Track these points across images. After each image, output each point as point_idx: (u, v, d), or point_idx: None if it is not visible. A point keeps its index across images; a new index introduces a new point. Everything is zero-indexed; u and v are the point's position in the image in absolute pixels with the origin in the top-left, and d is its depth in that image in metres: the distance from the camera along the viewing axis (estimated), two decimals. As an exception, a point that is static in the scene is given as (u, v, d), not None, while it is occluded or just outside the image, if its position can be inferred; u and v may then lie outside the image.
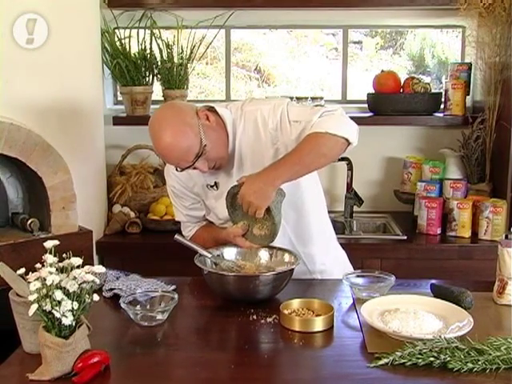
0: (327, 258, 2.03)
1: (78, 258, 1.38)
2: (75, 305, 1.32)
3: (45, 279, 1.31)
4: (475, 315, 1.56)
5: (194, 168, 1.78)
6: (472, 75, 3.12)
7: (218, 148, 1.80)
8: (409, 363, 1.36)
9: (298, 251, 1.92)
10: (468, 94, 3.11)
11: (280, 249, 1.90)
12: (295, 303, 1.66)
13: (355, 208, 3.09)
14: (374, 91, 3.15)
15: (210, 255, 1.84)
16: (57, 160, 2.31)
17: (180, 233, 1.91)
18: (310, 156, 1.67)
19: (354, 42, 3.52)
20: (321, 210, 2.04)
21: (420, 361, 1.36)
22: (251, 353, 1.47)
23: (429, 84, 3.12)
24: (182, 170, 1.81)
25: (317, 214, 2.00)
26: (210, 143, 1.76)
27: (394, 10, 3.13)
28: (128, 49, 3.07)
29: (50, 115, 2.43)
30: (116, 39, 3.06)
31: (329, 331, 1.56)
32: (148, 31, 3.09)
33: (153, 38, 3.07)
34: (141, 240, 2.89)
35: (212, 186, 1.92)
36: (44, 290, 1.31)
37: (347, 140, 1.69)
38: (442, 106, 3.12)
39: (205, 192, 1.95)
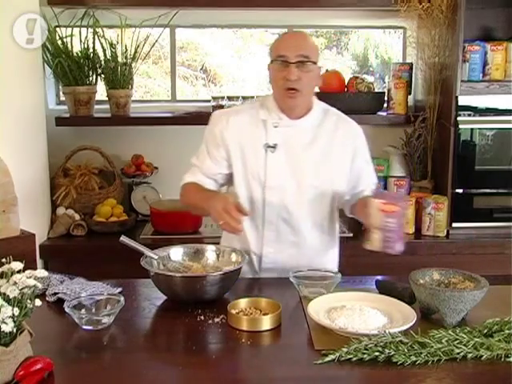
0: None
1: (18, 263, 1.34)
2: (16, 311, 1.28)
3: (-17, 285, 1.27)
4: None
5: (296, 65, 1.85)
6: (413, 75, 3.20)
7: (310, 88, 1.96)
8: (355, 359, 1.38)
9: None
10: (410, 94, 3.19)
11: (227, 248, 1.90)
12: (243, 302, 1.66)
13: None
14: (318, 90, 3.18)
15: (156, 256, 1.83)
16: (-4, 162, 2.24)
17: (125, 234, 1.88)
18: None
19: (300, 42, 3.55)
20: None
21: (365, 356, 1.39)
22: (199, 354, 1.46)
23: (372, 83, 3.18)
24: (286, 62, 1.86)
25: None
26: (313, 79, 1.92)
27: (338, 11, 3.17)
28: (70, 48, 3.01)
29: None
30: (57, 38, 2.99)
31: (276, 330, 1.57)
32: (91, 30, 3.03)
33: (96, 36, 3.02)
34: (86, 242, 2.84)
35: (270, 147, 1.95)
36: (-18, 297, 1.27)
37: None
38: (385, 105, 3.18)
39: (257, 153, 1.96)
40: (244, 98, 3.05)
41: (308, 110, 1.99)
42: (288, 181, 1.97)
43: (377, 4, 3.00)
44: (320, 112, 2.03)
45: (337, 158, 2.00)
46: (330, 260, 2.14)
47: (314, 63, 1.90)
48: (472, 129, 2.82)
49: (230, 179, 2.05)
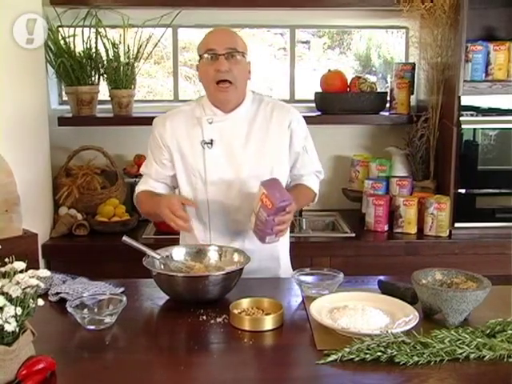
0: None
1: (21, 263, 1.34)
2: (19, 310, 1.28)
3: (-14, 285, 1.27)
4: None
5: (225, 56, 1.90)
6: (416, 75, 3.20)
7: (242, 80, 1.98)
8: (357, 359, 1.38)
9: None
10: (412, 94, 3.18)
11: (229, 248, 1.91)
12: (245, 303, 1.66)
13: (304, 206, 3.12)
14: (321, 90, 3.19)
15: (158, 256, 1.83)
16: (-1, 161, 2.24)
17: (128, 234, 1.88)
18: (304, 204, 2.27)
19: (302, 42, 3.56)
20: None
21: (368, 356, 1.38)
22: (201, 353, 1.46)
23: (375, 83, 3.18)
24: (215, 54, 1.91)
25: None
26: (243, 71, 1.97)
27: (341, 11, 3.17)
28: (73, 48, 3.01)
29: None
30: (60, 38, 2.99)
31: (278, 330, 1.57)
32: (93, 30, 3.03)
33: (98, 36, 3.02)
34: (88, 242, 2.84)
35: (207, 143, 1.99)
36: (-15, 296, 1.27)
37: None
38: (387, 105, 3.18)
39: (195, 150, 2.01)
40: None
41: (241, 102, 2.03)
42: (228, 174, 2.01)
43: (379, 4, 3.00)
44: (253, 102, 2.06)
45: (274, 145, 2.03)
46: (282, 250, 2.15)
47: (243, 55, 1.96)
48: (474, 129, 2.81)
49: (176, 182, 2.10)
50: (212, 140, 2.00)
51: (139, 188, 2.11)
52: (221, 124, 2.01)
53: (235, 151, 2.01)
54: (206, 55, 1.94)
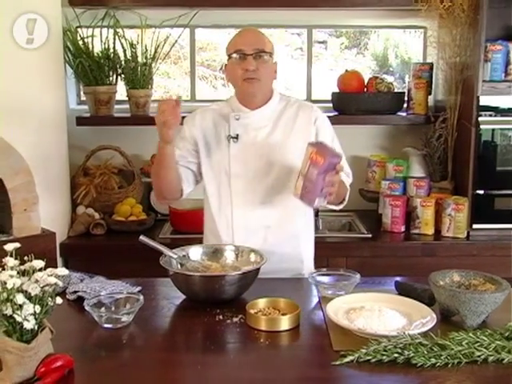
0: None
1: (40, 261, 1.35)
2: (37, 308, 1.30)
3: (5, 283, 1.28)
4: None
5: (253, 56, 1.96)
6: (434, 75, 3.17)
7: (268, 79, 2.05)
8: (374, 360, 1.38)
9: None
10: (430, 94, 3.16)
11: (246, 248, 1.91)
12: (261, 303, 1.66)
13: (320, 207, 3.11)
14: (338, 90, 3.18)
15: (175, 256, 1.83)
16: (18, 161, 2.26)
17: (144, 233, 1.89)
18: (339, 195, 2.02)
19: (319, 42, 3.55)
20: None
21: (384, 357, 1.38)
22: (217, 353, 1.46)
23: (392, 84, 3.16)
24: (244, 54, 1.97)
25: None
26: (270, 70, 2.04)
27: (358, 10, 3.16)
28: (91, 48, 3.03)
29: (11, 115, 2.38)
30: (78, 38, 3.01)
31: (295, 330, 1.57)
32: (111, 30, 3.05)
33: (116, 37, 3.04)
34: (105, 241, 2.86)
35: (233, 138, 2.05)
36: (4, 294, 1.28)
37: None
38: (405, 106, 3.16)
39: (221, 145, 2.07)
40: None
41: (268, 100, 2.08)
42: (251, 168, 2.04)
43: (397, 4, 2.98)
44: (280, 101, 2.11)
45: (299, 140, 2.02)
46: (306, 248, 2.16)
47: (270, 56, 2.02)
48: (493, 129, 2.79)
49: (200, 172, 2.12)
50: (237, 134, 2.05)
51: None
52: (247, 120, 2.06)
53: (259, 145, 2.05)
54: (234, 55, 2.00)
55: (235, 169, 2.05)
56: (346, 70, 3.20)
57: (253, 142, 2.06)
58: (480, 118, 2.77)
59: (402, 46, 3.58)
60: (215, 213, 2.09)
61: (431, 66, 3.17)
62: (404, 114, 3.14)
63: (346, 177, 2.16)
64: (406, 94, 3.16)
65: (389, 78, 3.30)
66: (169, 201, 2.35)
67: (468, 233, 2.83)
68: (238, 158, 2.05)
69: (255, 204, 2.05)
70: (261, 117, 2.07)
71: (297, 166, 1.92)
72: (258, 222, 2.05)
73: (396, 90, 3.18)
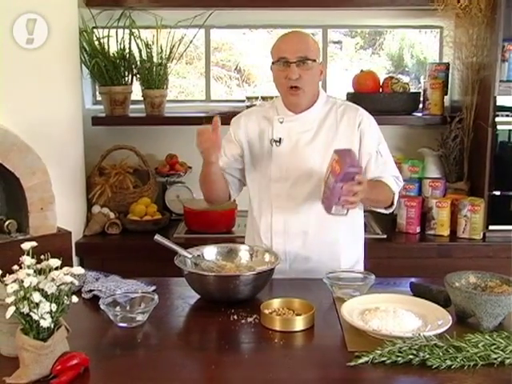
0: None
1: (56, 260, 1.36)
2: (53, 307, 1.31)
3: (22, 281, 1.30)
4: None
5: (297, 64, 1.94)
6: (450, 75, 3.15)
7: (312, 85, 2.02)
8: (388, 361, 1.37)
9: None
10: (446, 94, 3.13)
11: (260, 248, 1.91)
12: (276, 303, 1.66)
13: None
14: (353, 91, 3.16)
15: (190, 255, 1.84)
16: (35, 161, 2.28)
17: (159, 233, 1.90)
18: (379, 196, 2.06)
19: (334, 42, 3.54)
20: None
21: (399, 359, 1.37)
22: (232, 353, 1.46)
23: (408, 84, 3.14)
24: (286, 62, 1.95)
25: None
26: (314, 76, 2.01)
27: (374, 10, 3.15)
28: (107, 48, 3.05)
29: (28, 115, 2.40)
30: (94, 39, 3.03)
31: (309, 330, 1.57)
32: (127, 31, 3.06)
33: (132, 37, 3.05)
34: (120, 241, 2.87)
35: (276, 141, 2.04)
36: (21, 292, 1.29)
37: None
38: (420, 106, 3.14)
39: (264, 148, 2.07)
40: (277, 97, 3.05)
41: (313, 103, 2.06)
42: (293, 172, 2.03)
43: (413, 3, 2.96)
44: (326, 104, 2.09)
45: (342, 144, 1.99)
46: (352, 257, 2.12)
47: (314, 61, 1.98)
48: (510, 130, 2.77)
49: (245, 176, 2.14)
50: (280, 138, 2.05)
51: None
52: (291, 124, 2.05)
53: (301, 149, 2.04)
54: (278, 62, 1.98)
55: (276, 173, 2.04)
56: (361, 70, 3.18)
57: (295, 146, 2.04)
58: (497, 119, 2.75)
59: (418, 46, 3.55)
60: (256, 216, 2.10)
61: (447, 65, 3.14)
62: (419, 114, 3.12)
63: (394, 181, 2.10)
64: (422, 94, 3.14)
65: (404, 78, 3.28)
66: (218, 203, 2.31)
67: (484, 234, 2.81)
68: (279, 162, 2.04)
69: (295, 209, 2.03)
70: (305, 120, 2.05)
71: None
72: (296, 228, 2.03)
73: (411, 91, 3.16)
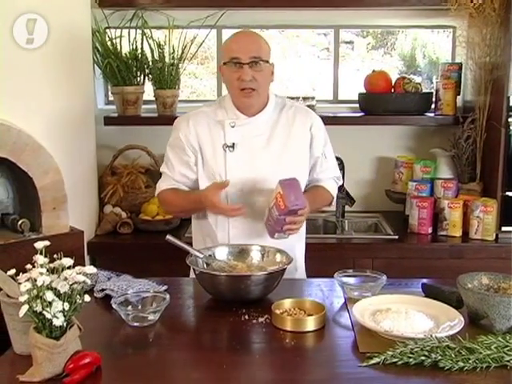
0: None
1: (68, 259, 1.37)
2: (66, 305, 1.32)
3: (35, 280, 1.31)
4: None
5: (250, 65, 1.91)
6: (463, 75, 3.13)
7: (265, 86, 2.00)
8: (400, 362, 1.37)
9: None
10: (459, 94, 3.12)
11: (271, 248, 1.91)
12: (287, 303, 1.66)
13: (347, 208, 3.10)
14: (365, 91, 3.16)
15: (201, 255, 1.84)
16: (48, 160, 2.30)
17: (171, 233, 1.90)
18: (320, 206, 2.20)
19: (346, 42, 3.53)
20: None
21: (411, 360, 1.37)
22: (243, 353, 1.47)
23: (420, 84, 3.13)
24: (239, 63, 1.91)
25: None
26: (266, 77, 1.98)
27: (385, 10, 3.14)
28: (119, 49, 3.06)
29: (41, 115, 2.42)
30: (107, 39, 3.05)
31: (320, 331, 1.57)
32: (139, 31, 3.08)
33: (144, 37, 3.06)
34: (132, 240, 2.88)
35: (229, 147, 1.99)
36: (35, 291, 1.31)
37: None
38: (432, 106, 3.13)
39: (216, 153, 2.01)
40: (290, 98, 3.04)
41: (264, 106, 2.03)
42: (248, 177, 1.99)
43: (425, 3, 2.95)
44: (276, 106, 2.07)
45: (296, 147, 2.03)
46: (298, 252, 2.14)
47: (266, 62, 1.96)
48: (524, 130, 2.75)
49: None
50: (234, 143, 2.00)
51: (161, 186, 2.10)
52: (243, 128, 2.01)
53: (256, 154, 2.01)
54: (230, 62, 1.94)
55: (232, 179, 1.96)
56: (373, 71, 3.17)
57: (249, 151, 2.00)
58: (510, 119, 2.73)
59: (430, 46, 3.54)
60: (212, 223, 2.04)
61: (460, 65, 3.13)
62: (432, 114, 3.11)
63: (333, 182, 2.21)
64: (434, 94, 3.13)
65: (416, 79, 3.26)
66: None
67: (497, 235, 2.79)
68: (234, 168, 1.99)
69: (252, 216, 1.99)
70: (258, 124, 2.02)
71: (295, 175, 1.91)
72: (253, 230, 2.01)
73: (424, 91, 3.15)
